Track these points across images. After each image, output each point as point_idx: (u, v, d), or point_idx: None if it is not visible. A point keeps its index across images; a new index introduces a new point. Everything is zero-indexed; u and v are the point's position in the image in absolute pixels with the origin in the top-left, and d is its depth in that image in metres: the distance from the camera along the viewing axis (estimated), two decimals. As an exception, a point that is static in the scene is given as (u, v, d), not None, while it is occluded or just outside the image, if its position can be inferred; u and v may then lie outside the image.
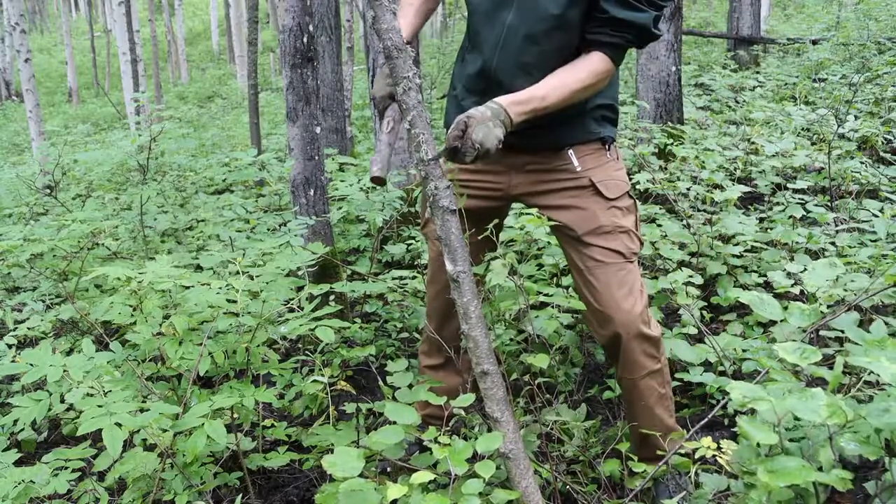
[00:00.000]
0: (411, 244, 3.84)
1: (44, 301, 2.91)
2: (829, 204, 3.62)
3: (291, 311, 2.09)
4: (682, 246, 3.20)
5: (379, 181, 1.61)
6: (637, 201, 1.89)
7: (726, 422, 2.23)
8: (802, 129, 5.05)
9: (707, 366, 2.33)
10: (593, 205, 1.79)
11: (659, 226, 3.12)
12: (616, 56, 1.67)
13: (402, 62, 1.53)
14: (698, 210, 3.55)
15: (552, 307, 2.41)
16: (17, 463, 1.79)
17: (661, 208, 3.45)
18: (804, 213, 3.27)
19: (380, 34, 1.53)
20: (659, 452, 1.81)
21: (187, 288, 1.88)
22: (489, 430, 1.66)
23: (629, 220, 1.82)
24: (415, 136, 1.54)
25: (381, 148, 1.67)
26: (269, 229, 2.99)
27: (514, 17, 1.68)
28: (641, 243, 1.85)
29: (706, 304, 2.79)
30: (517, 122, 1.61)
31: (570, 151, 1.80)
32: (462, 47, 1.89)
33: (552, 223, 1.84)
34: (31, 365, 1.60)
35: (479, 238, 1.87)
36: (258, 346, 1.95)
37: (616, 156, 1.87)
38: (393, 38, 1.51)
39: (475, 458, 1.46)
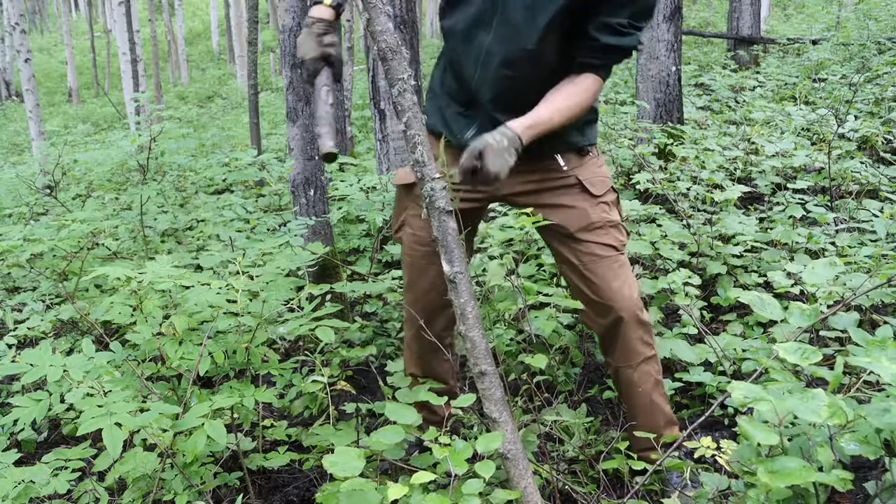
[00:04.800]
0: (411, 244, 3.83)
1: (44, 301, 2.91)
2: (829, 204, 3.62)
3: (291, 311, 2.09)
4: (682, 246, 3.20)
5: (331, 157, 1.57)
6: (617, 191, 1.95)
7: (726, 422, 2.23)
8: (802, 129, 5.05)
9: (707, 366, 2.33)
10: (582, 202, 1.84)
11: (659, 226, 3.12)
12: (606, 76, 1.76)
13: (397, 63, 1.53)
14: (698, 210, 3.55)
15: (552, 307, 2.41)
16: (17, 463, 1.79)
17: (661, 208, 3.45)
18: (804, 213, 3.27)
19: (374, 36, 1.53)
20: (660, 442, 1.84)
21: (187, 288, 1.88)
22: (487, 431, 1.66)
23: (615, 214, 1.88)
24: (411, 138, 1.55)
25: (325, 121, 1.61)
26: (269, 229, 2.99)
27: (493, 42, 1.72)
28: (628, 233, 1.93)
29: (706, 304, 2.79)
30: (526, 144, 1.64)
31: (557, 155, 1.85)
32: (441, 55, 1.91)
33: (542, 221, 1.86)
34: (31, 365, 1.60)
35: (463, 238, 1.88)
36: (258, 346, 1.95)
37: (597, 153, 1.93)
38: (388, 39, 1.52)
39: (475, 458, 1.46)
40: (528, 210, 1.83)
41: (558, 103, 1.68)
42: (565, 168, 1.84)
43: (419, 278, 1.97)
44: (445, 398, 1.77)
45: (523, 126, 1.63)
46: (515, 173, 1.80)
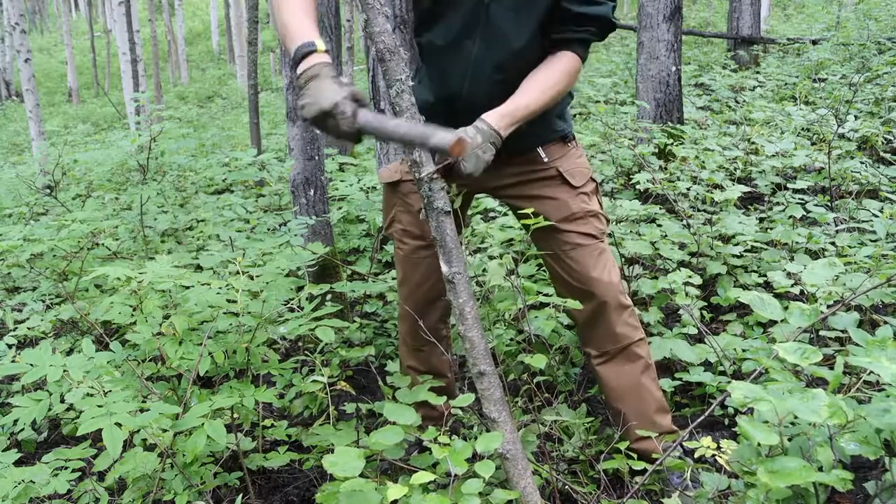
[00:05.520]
0: (411, 244, 3.82)
1: (44, 301, 2.91)
2: (829, 204, 3.61)
3: (291, 311, 2.09)
4: (682, 246, 3.20)
5: (462, 145, 1.42)
6: (597, 181, 1.97)
7: (726, 422, 2.23)
8: (802, 129, 5.04)
9: (707, 366, 2.33)
10: (563, 194, 1.86)
11: (659, 226, 3.12)
12: (583, 52, 1.74)
13: (395, 64, 1.53)
14: (698, 210, 3.55)
15: (551, 307, 2.41)
16: (17, 463, 1.79)
17: (661, 208, 3.45)
18: (804, 213, 3.27)
19: (372, 37, 1.53)
20: (653, 435, 1.86)
21: (187, 288, 1.88)
22: (487, 430, 1.66)
23: (595, 203, 1.91)
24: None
25: (418, 127, 1.46)
26: (269, 229, 2.99)
27: (481, 49, 1.72)
28: (608, 221, 1.96)
29: (706, 304, 2.79)
30: (506, 135, 1.65)
31: (539, 148, 1.87)
32: (414, 72, 1.88)
33: (523, 212, 1.88)
34: (31, 365, 1.60)
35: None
36: (258, 346, 1.95)
37: (576, 143, 1.94)
38: (385, 40, 1.52)
39: (475, 458, 1.46)
40: (530, 210, 1.83)
41: (534, 90, 1.69)
42: (546, 160, 1.86)
43: (412, 273, 1.99)
44: (445, 398, 1.77)
45: (499, 116, 1.64)
46: (498, 167, 1.80)
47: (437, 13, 1.73)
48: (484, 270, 2.90)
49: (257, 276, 1.99)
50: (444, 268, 1.54)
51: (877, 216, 3.12)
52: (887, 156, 4.53)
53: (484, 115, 1.64)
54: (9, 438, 2.28)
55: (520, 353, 2.36)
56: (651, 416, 1.90)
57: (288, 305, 2.07)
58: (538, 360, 1.83)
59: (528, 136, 1.77)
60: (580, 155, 1.93)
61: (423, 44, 1.81)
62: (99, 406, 1.55)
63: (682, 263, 3.03)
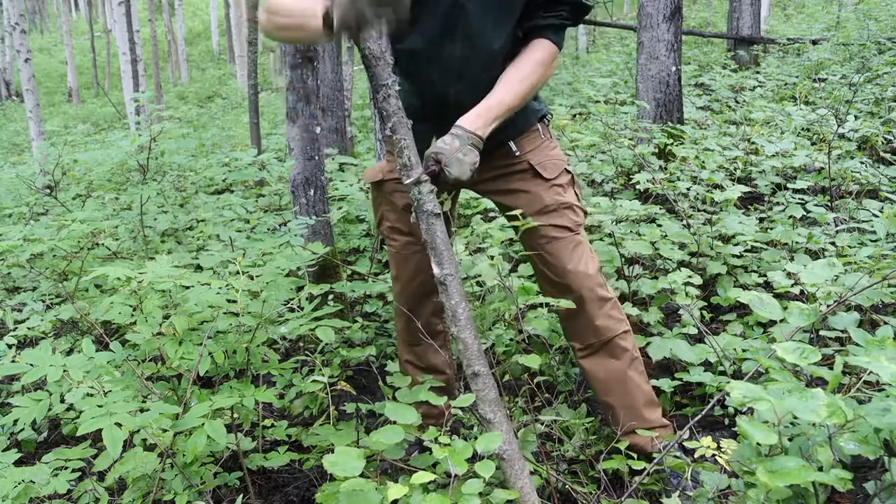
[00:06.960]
0: (411, 244, 3.82)
1: (44, 301, 2.91)
2: (829, 204, 3.61)
3: (291, 311, 2.09)
4: (682, 246, 3.20)
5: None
6: (574, 173, 1.96)
7: (726, 422, 2.23)
8: (802, 129, 5.04)
9: (707, 366, 2.33)
10: (535, 187, 1.86)
11: (659, 226, 3.12)
12: (557, 38, 1.74)
13: (380, 70, 1.54)
14: (698, 210, 3.55)
15: (541, 306, 2.42)
16: (17, 463, 1.79)
17: (661, 208, 3.45)
18: (804, 213, 3.27)
19: (358, 43, 1.55)
20: (645, 426, 1.86)
21: (187, 288, 1.88)
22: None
23: (570, 195, 1.89)
24: (397, 142, 1.56)
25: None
26: (269, 229, 2.99)
27: (465, 50, 1.71)
28: (585, 213, 1.94)
29: (706, 304, 2.79)
30: (486, 134, 1.65)
31: (510, 143, 1.86)
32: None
33: (500, 206, 1.88)
34: (31, 365, 1.60)
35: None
36: (258, 346, 1.95)
37: (549, 135, 1.93)
38: (371, 46, 1.53)
39: (475, 458, 1.46)
40: (518, 212, 1.83)
41: (508, 85, 1.69)
42: (517, 154, 1.86)
43: (403, 268, 2.01)
44: (445, 398, 1.77)
45: (473, 117, 1.65)
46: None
47: (412, 18, 1.72)
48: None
49: (257, 276, 1.99)
50: (435, 270, 1.55)
51: (877, 216, 3.12)
52: (887, 156, 4.53)
53: (458, 121, 1.65)
54: (9, 438, 2.28)
55: (519, 354, 2.36)
56: (639, 409, 1.89)
57: (288, 305, 2.07)
58: (532, 360, 1.83)
59: (503, 128, 1.77)
60: (554, 147, 1.92)
61: (404, 51, 1.79)
62: (99, 406, 1.55)
63: (682, 263, 3.03)
